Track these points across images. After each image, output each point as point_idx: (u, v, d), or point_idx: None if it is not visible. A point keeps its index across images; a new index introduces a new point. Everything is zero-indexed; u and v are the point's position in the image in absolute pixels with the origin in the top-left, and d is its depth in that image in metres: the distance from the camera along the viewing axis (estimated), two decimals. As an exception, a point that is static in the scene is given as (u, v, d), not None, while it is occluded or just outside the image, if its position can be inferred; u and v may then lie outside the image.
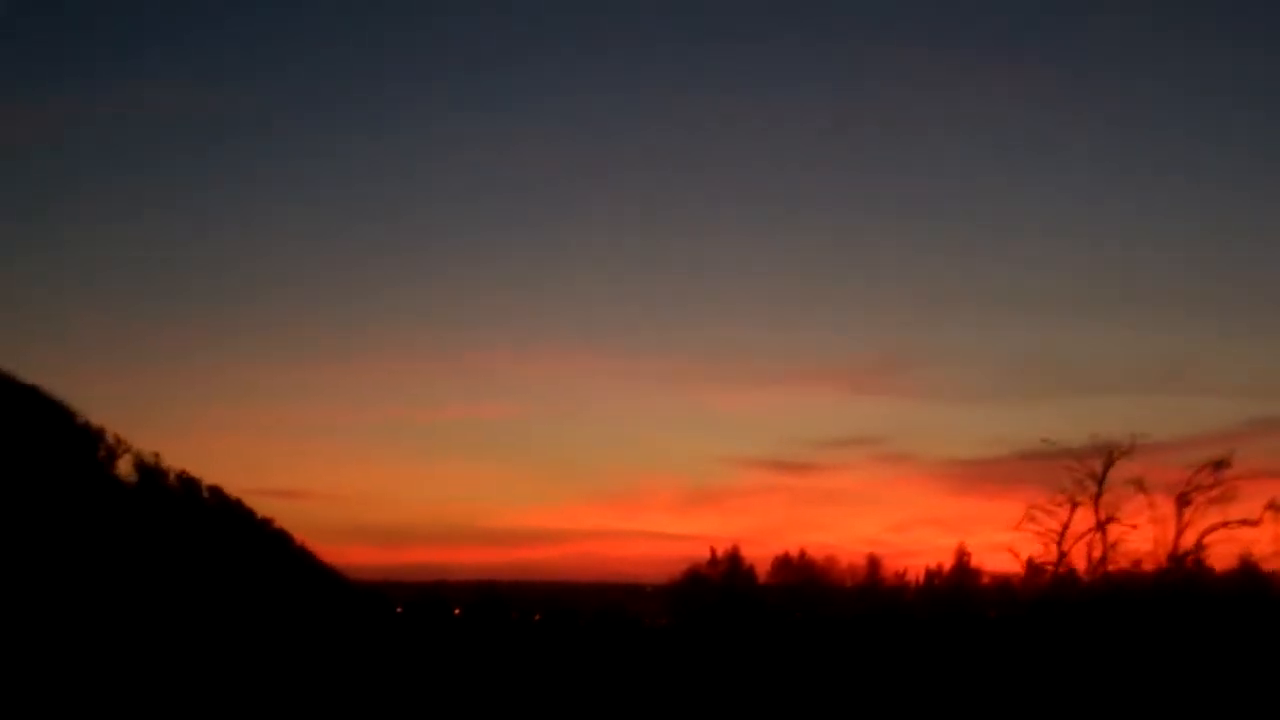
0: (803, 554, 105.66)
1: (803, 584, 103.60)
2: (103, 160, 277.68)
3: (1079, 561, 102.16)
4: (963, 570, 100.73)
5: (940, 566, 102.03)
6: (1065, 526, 76.03)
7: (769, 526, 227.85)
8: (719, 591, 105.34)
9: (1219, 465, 72.52)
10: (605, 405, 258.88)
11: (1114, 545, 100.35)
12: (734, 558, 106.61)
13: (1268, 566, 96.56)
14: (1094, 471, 73.55)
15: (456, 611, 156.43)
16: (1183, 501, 75.01)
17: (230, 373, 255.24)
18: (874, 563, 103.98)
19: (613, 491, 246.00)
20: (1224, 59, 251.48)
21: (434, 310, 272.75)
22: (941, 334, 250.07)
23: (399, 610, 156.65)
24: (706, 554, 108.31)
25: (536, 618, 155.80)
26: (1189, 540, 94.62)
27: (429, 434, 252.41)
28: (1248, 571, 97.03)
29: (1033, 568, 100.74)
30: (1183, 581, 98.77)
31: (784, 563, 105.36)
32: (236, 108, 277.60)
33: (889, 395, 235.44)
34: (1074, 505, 75.05)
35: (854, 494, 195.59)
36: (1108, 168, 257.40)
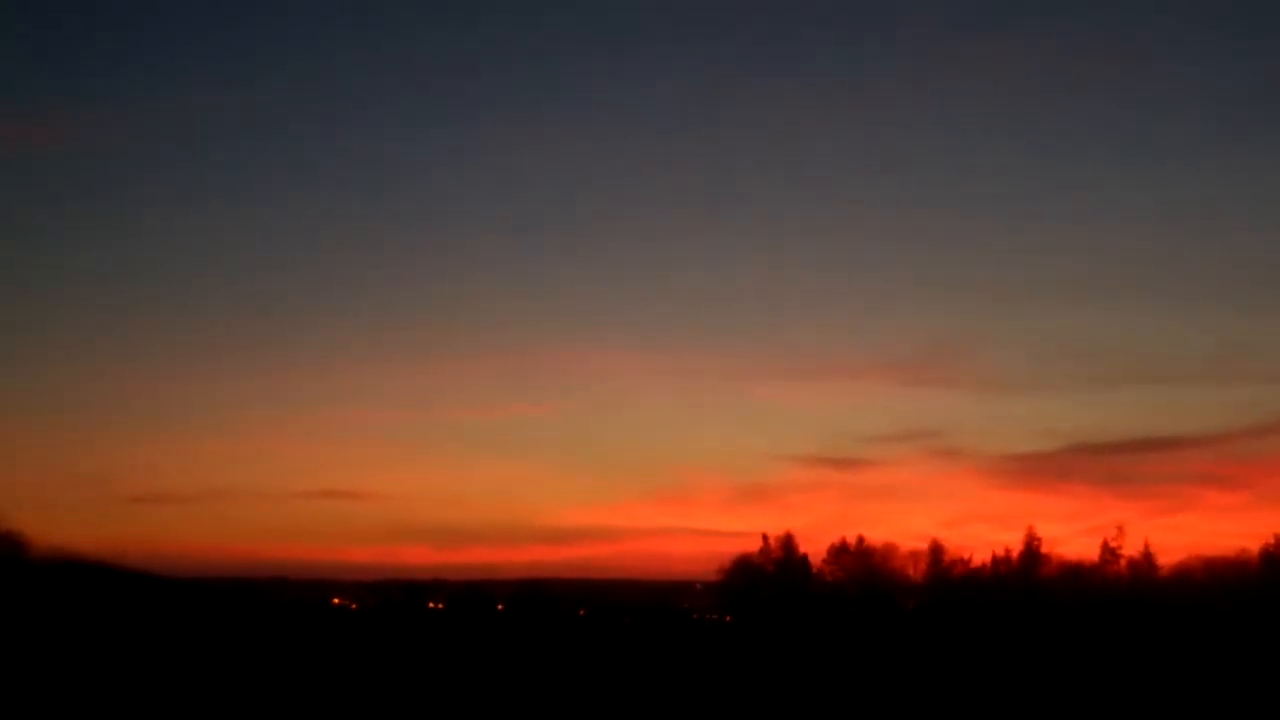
0: (861, 541, 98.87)
1: (863, 572, 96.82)
2: (139, 165, 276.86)
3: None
4: (1033, 556, 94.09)
5: (1008, 553, 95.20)
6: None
7: (820, 522, 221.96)
8: (772, 581, 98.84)
9: None
10: (655, 403, 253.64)
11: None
12: (788, 545, 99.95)
13: None
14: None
15: (500, 607, 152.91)
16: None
17: (282, 376, 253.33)
18: (937, 550, 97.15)
19: (663, 489, 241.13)
20: (1265, 48, 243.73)
21: (483, 311, 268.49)
22: (992, 326, 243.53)
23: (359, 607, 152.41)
24: (757, 544, 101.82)
25: (581, 613, 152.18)
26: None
27: (479, 433, 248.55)
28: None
29: (1107, 552, 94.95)
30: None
31: (841, 550, 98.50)
32: (276, 110, 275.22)
33: (939, 389, 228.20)
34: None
35: (905, 489, 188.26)
36: (1159, 158, 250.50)
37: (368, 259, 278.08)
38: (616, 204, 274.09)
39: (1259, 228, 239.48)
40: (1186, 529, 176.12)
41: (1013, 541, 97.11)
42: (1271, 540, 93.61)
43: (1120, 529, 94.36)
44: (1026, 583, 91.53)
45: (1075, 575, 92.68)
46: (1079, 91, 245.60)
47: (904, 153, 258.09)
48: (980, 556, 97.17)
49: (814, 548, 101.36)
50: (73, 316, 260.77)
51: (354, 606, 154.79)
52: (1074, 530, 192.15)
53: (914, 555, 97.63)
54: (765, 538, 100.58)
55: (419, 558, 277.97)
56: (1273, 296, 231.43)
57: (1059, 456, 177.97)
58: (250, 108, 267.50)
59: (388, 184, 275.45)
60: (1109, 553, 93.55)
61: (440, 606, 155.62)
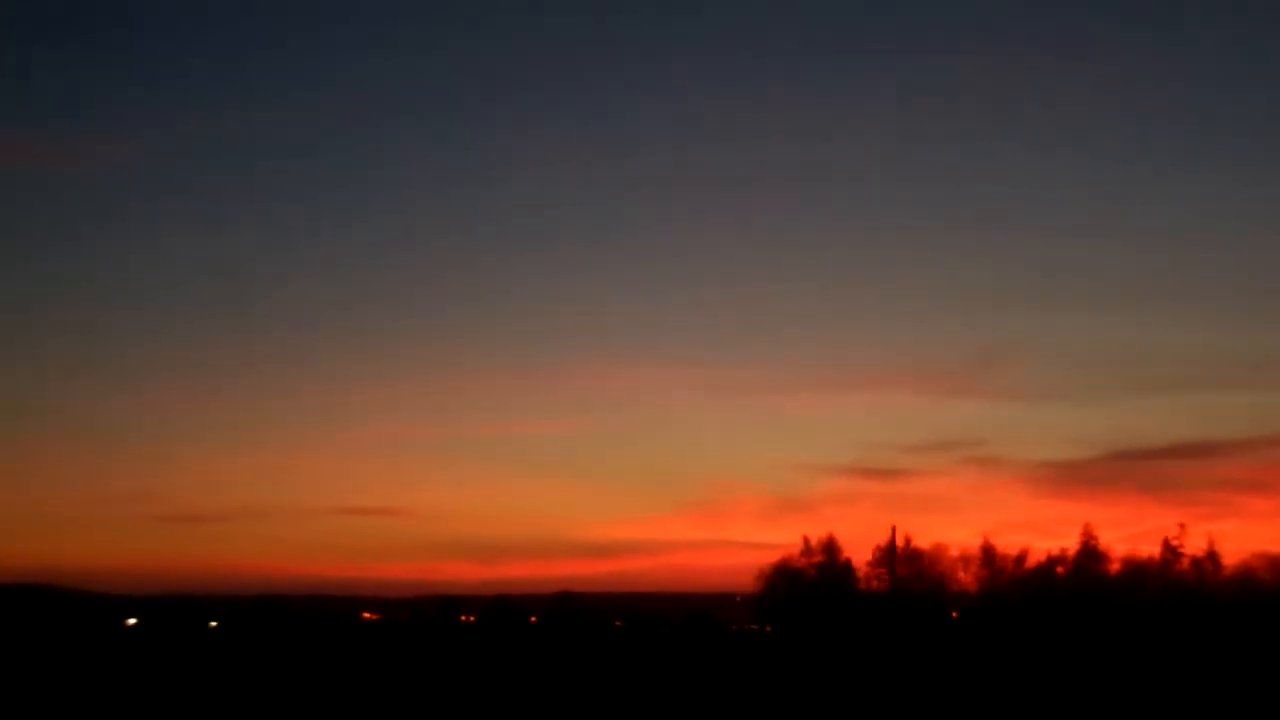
0: (909, 542, 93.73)
1: (911, 575, 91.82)
2: (169, 182, 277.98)
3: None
4: (1091, 555, 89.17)
5: (1064, 553, 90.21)
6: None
7: (859, 534, 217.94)
8: (813, 586, 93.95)
9: None
10: (689, 416, 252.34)
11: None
12: (830, 548, 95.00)
13: None
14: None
15: (533, 620, 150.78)
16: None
17: (316, 393, 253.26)
18: (989, 551, 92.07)
19: (699, 502, 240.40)
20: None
21: (518, 326, 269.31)
22: (1028, 334, 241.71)
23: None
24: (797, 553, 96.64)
25: (618, 624, 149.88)
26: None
27: (515, 449, 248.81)
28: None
29: (1169, 550, 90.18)
30: None
31: (888, 552, 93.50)
32: (304, 126, 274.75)
33: (976, 397, 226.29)
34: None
35: (944, 499, 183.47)
36: (1192, 166, 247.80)
37: (401, 276, 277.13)
38: (647, 218, 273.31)
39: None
40: (1227, 535, 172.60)
41: (1054, 549, 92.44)
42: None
43: (1182, 527, 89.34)
44: (1087, 582, 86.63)
45: (1139, 574, 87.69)
46: (1116, 103, 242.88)
47: (940, 164, 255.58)
48: (1035, 557, 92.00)
49: (855, 558, 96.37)
50: (105, 336, 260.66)
51: (377, 618, 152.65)
52: (1115, 537, 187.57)
53: (964, 557, 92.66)
54: (806, 540, 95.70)
55: (456, 573, 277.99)
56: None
57: (1098, 464, 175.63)
58: (272, 126, 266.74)
59: (419, 202, 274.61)
60: (1170, 551, 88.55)
61: (472, 620, 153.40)
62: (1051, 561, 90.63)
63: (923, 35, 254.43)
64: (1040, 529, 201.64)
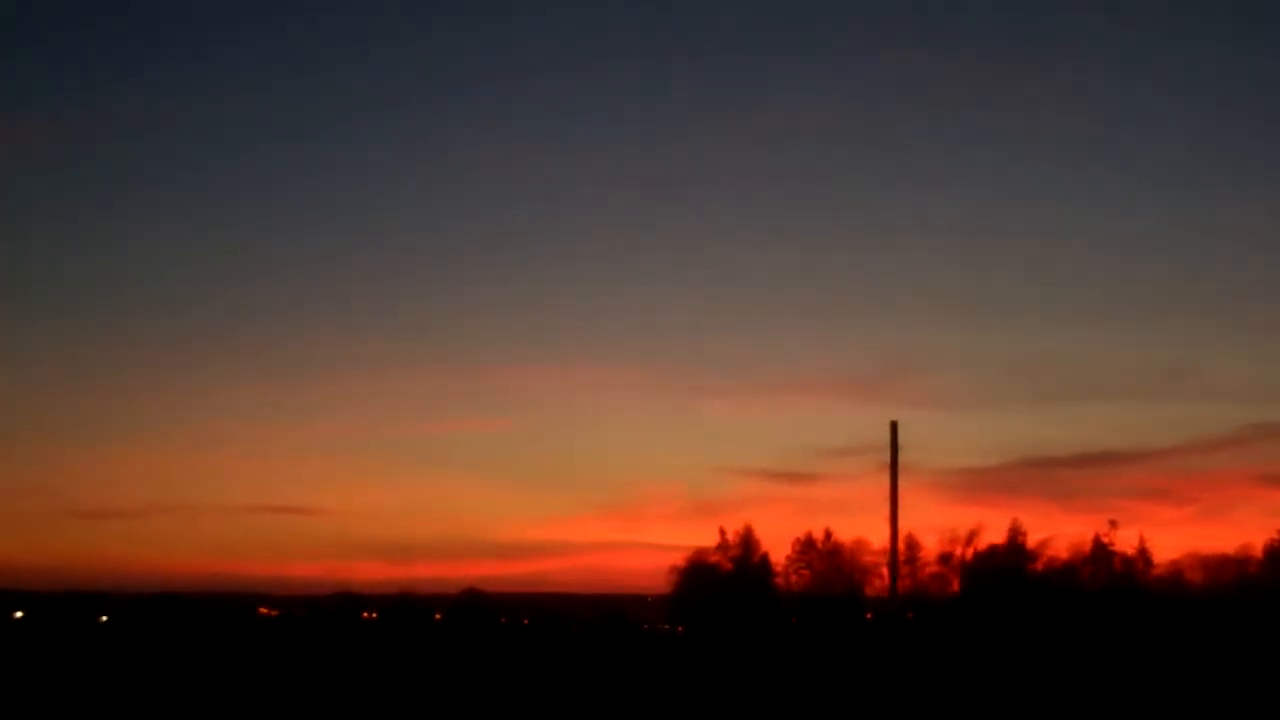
0: (828, 536, 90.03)
1: (831, 571, 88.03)
2: (102, 174, 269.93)
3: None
4: (1018, 551, 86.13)
5: (993, 547, 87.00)
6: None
7: (774, 535, 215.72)
8: (730, 582, 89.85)
9: None
10: (605, 417, 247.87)
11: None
12: (747, 541, 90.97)
13: None
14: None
15: (438, 616, 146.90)
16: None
17: (235, 390, 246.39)
18: (913, 546, 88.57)
19: (614, 503, 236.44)
20: (1222, 63, 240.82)
21: (435, 325, 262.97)
22: (940, 341, 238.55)
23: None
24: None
25: (525, 622, 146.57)
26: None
27: (430, 449, 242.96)
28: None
29: (1099, 548, 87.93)
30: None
31: (806, 546, 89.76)
32: (237, 121, 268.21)
33: (888, 403, 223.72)
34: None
35: (855, 503, 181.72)
36: (1106, 173, 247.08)
37: (315, 274, 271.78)
38: (565, 220, 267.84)
39: (1207, 246, 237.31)
40: (1133, 543, 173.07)
41: (981, 545, 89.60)
42: (1276, 535, 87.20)
43: (1113, 524, 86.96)
44: (1020, 575, 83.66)
45: (1072, 570, 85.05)
46: (1030, 110, 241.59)
47: (852, 169, 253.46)
48: (969, 551, 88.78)
49: (773, 554, 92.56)
50: (16, 327, 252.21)
51: (274, 614, 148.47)
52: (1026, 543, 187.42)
53: (887, 552, 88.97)
54: (723, 533, 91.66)
55: (364, 573, 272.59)
56: (1217, 315, 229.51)
57: (1006, 471, 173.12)
58: (204, 119, 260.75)
59: (336, 202, 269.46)
60: (1101, 548, 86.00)
61: (374, 616, 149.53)
62: (979, 557, 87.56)
63: (846, 35, 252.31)
64: (949, 534, 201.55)
